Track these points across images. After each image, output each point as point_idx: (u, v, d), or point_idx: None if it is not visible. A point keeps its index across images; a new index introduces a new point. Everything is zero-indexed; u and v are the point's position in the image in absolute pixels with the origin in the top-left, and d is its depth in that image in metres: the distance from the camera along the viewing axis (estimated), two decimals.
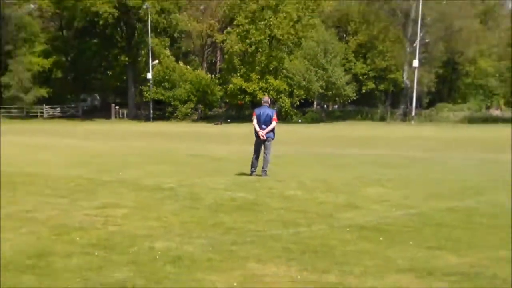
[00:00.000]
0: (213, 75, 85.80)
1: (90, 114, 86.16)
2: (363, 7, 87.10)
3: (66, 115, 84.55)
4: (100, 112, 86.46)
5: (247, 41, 76.01)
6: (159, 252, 9.03)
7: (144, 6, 79.41)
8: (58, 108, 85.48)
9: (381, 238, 10.10)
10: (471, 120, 75.37)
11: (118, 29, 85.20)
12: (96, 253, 8.97)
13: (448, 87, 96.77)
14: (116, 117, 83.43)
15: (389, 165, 23.44)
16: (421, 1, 76.99)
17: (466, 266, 8.41)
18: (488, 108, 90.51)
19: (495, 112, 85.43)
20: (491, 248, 9.52)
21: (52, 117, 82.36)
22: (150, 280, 7.61)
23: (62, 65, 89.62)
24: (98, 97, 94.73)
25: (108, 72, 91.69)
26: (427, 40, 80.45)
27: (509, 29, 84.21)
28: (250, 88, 74.65)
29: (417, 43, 77.21)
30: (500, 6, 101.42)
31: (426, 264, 8.48)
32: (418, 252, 9.20)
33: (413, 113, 76.85)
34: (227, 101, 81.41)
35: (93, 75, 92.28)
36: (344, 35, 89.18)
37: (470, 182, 18.07)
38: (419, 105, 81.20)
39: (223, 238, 10.02)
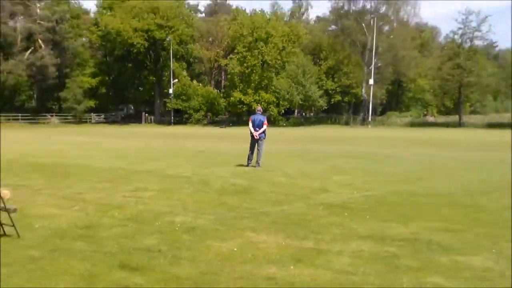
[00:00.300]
0: (218, 90, 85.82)
1: (126, 120, 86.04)
2: (332, 39, 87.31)
3: (108, 121, 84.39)
4: (134, 118, 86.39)
5: (245, 64, 76.15)
6: (178, 224, 8.99)
7: (167, 39, 79.70)
8: (103, 116, 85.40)
9: (346, 214, 10.09)
10: (412, 124, 75.73)
11: (148, 56, 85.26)
12: (130, 225, 8.93)
13: (395, 99, 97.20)
14: (145, 122, 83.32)
15: (352, 158, 23.44)
16: (374, 35, 77.31)
17: (409, 234, 8.40)
18: (425, 115, 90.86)
19: (430, 119, 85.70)
20: (428, 220, 9.52)
21: (98, 122, 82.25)
22: (171, 246, 7.57)
23: (105, 83, 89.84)
24: (132, 107, 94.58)
25: (140, 88, 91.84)
26: (379, 65, 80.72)
27: (439, 57, 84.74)
28: (247, 100, 74.93)
29: (372, 66, 77.41)
30: (432, 41, 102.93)
31: (380, 233, 8.47)
32: (374, 224, 9.19)
33: (370, 119, 77.07)
34: (230, 110, 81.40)
35: (129, 90, 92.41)
36: (318, 60, 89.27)
37: (412, 171, 18.09)
38: (374, 113, 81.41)
39: (227, 214, 9.98)
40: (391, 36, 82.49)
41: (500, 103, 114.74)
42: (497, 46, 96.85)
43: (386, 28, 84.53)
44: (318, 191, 13.14)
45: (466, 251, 7.42)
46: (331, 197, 12.13)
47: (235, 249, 7.40)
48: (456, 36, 78.95)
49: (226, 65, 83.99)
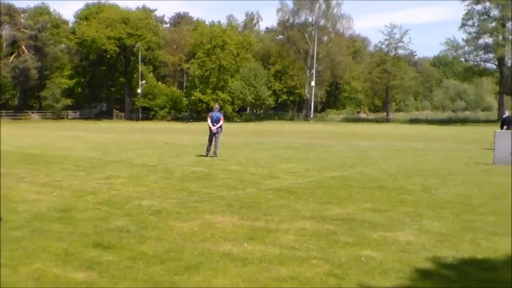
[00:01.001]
0: (181, 91, 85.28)
1: (99, 116, 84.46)
2: (279, 47, 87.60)
3: (83, 117, 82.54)
4: (106, 115, 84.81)
5: (204, 68, 76.02)
6: (145, 208, 8.81)
7: (137, 46, 78.98)
8: (78, 112, 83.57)
9: (291, 197, 10.08)
10: (347, 120, 76.61)
11: (119, 60, 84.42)
12: (102, 209, 8.71)
13: (333, 98, 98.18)
14: (116, 118, 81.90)
15: (296, 148, 23.58)
16: (315, 44, 77.96)
17: (345, 215, 8.43)
18: (358, 112, 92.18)
19: (362, 115, 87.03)
20: (361, 202, 9.58)
21: (74, 118, 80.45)
22: (139, 227, 7.41)
23: (81, 84, 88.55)
24: (104, 105, 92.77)
25: (112, 88, 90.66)
26: (319, 69, 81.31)
27: (369, 63, 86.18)
28: (206, 99, 74.71)
29: (313, 70, 78.05)
30: (364, 48, 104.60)
31: (320, 213, 8.48)
32: (315, 205, 9.20)
33: (311, 116, 77.73)
34: (191, 107, 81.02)
35: (102, 90, 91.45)
36: (267, 65, 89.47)
37: (347, 159, 18.29)
38: (315, 110, 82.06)
39: (188, 199, 9.84)
40: (329, 45, 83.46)
41: (419, 102, 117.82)
42: (416, 54, 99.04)
43: (325, 38, 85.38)
44: (267, 177, 13.11)
45: (393, 228, 7.49)
46: (279, 183, 12.12)
47: (196, 229, 7.29)
48: (383, 46, 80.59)
49: (187, 68, 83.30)
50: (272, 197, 10.10)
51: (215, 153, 18.68)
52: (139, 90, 79.62)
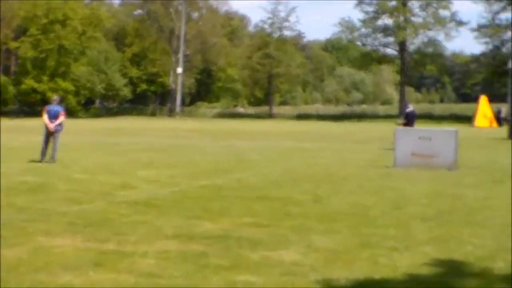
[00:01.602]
0: (8, 77, 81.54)
1: None
2: (137, 24, 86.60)
3: None
4: None
5: (39, 49, 73.29)
6: None
7: None
8: None
9: (151, 212, 10.01)
10: (222, 115, 77.38)
11: None
12: None
13: (205, 89, 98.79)
14: None
15: (158, 151, 23.48)
16: (183, 21, 78.08)
17: (219, 231, 8.48)
18: (235, 106, 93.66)
19: (240, 110, 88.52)
20: (238, 216, 9.71)
21: None
22: None
23: None
24: None
25: None
26: (188, 52, 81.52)
27: (249, 46, 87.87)
28: (41, 88, 71.89)
29: (181, 54, 78.12)
30: (243, 28, 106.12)
31: (188, 231, 8.47)
32: (181, 221, 9.18)
33: (178, 110, 77.75)
34: (20, 99, 77.84)
35: None
36: (122, 46, 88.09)
37: (222, 164, 18.49)
38: (183, 103, 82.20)
39: (15, 217, 9.36)
40: (200, 23, 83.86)
41: (309, 94, 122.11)
42: (305, 37, 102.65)
43: (195, 14, 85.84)
44: (121, 187, 12.92)
45: (276, 246, 7.64)
46: (136, 194, 12.00)
47: (25, 256, 6.95)
48: (265, 26, 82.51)
49: (16, 48, 79.78)
50: (127, 212, 9.95)
51: (53, 158, 18.18)
52: None
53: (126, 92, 78.37)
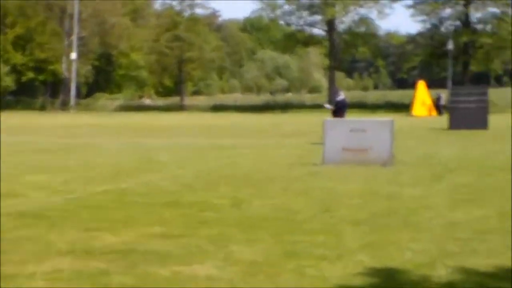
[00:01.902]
0: None
1: None
2: (21, 1, 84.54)
3: None
4: None
5: None
6: None
7: None
8: None
9: (41, 224, 9.74)
10: (126, 108, 76.75)
11: None
12: None
13: (105, 78, 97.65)
14: None
15: (49, 151, 23.03)
16: None
17: (122, 245, 8.37)
18: (141, 97, 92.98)
19: (147, 101, 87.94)
20: (145, 225, 9.61)
21: None
22: None
23: None
24: None
25: None
26: (83, 35, 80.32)
27: (155, 27, 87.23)
28: None
29: (74, 37, 76.86)
30: (148, 6, 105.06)
31: (84, 245, 8.31)
32: (77, 234, 9.00)
33: (72, 103, 76.55)
34: None
35: None
36: (3, 27, 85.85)
37: (124, 165, 18.33)
38: (78, 95, 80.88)
39: None
40: (97, 0, 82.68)
41: (225, 82, 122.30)
42: (220, 16, 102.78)
43: None
44: (5, 196, 12.48)
45: (189, 259, 7.60)
46: (23, 204, 11.71)
47: None
48: (174, 3, 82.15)
49: None
50: (10, 225, 9.67)
51: None
52: None
53: (8, 82, 76.75)
